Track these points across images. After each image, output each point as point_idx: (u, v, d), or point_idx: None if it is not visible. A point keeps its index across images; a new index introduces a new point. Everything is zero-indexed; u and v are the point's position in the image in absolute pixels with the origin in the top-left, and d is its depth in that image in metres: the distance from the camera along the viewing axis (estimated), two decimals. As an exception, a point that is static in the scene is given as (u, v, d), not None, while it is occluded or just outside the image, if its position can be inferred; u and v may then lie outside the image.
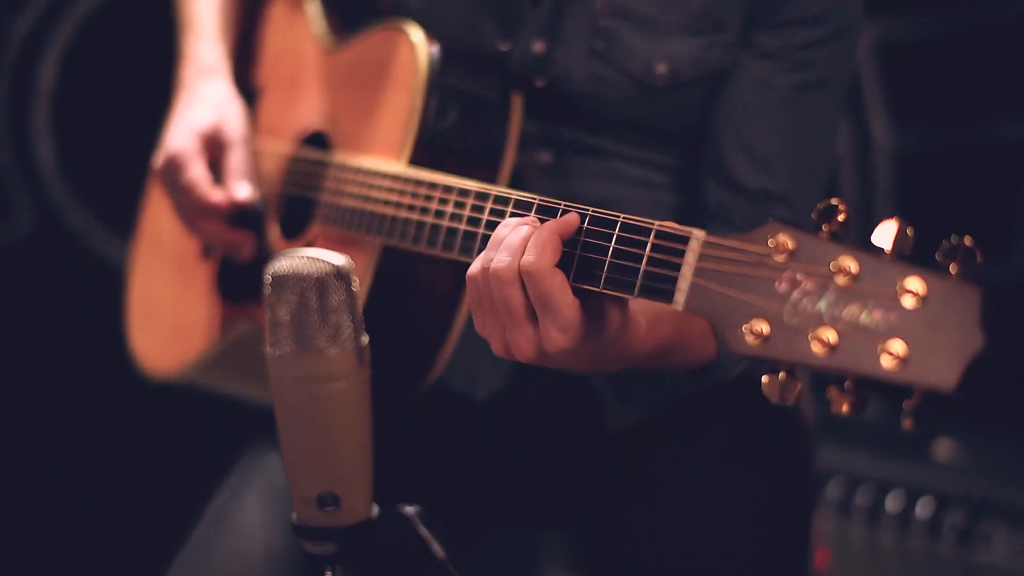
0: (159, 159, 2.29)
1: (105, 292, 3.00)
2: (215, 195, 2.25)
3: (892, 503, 3.17)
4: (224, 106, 2.33)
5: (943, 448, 3.26)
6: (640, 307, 1.76)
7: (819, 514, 3.08)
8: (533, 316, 1.67)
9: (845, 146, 3.90)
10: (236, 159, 2.28)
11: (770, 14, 2.13)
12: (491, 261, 1.69)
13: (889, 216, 1.42)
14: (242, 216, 2.28)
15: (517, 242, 1.68)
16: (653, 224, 1.61)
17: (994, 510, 3.07)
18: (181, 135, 2.29)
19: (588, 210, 1.69)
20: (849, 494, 3.23)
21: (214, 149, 2.29)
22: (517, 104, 2.15)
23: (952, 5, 3.83)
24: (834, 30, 2.14)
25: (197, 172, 2.25)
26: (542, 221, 1.72)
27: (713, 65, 2.14)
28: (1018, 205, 3.79)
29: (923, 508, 3.14)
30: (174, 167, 2.26)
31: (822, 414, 2.75)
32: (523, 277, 1.66)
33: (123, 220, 2.86)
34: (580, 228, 1.68)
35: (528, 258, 1.66)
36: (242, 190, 2.25)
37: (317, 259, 1.51)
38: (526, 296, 1.67)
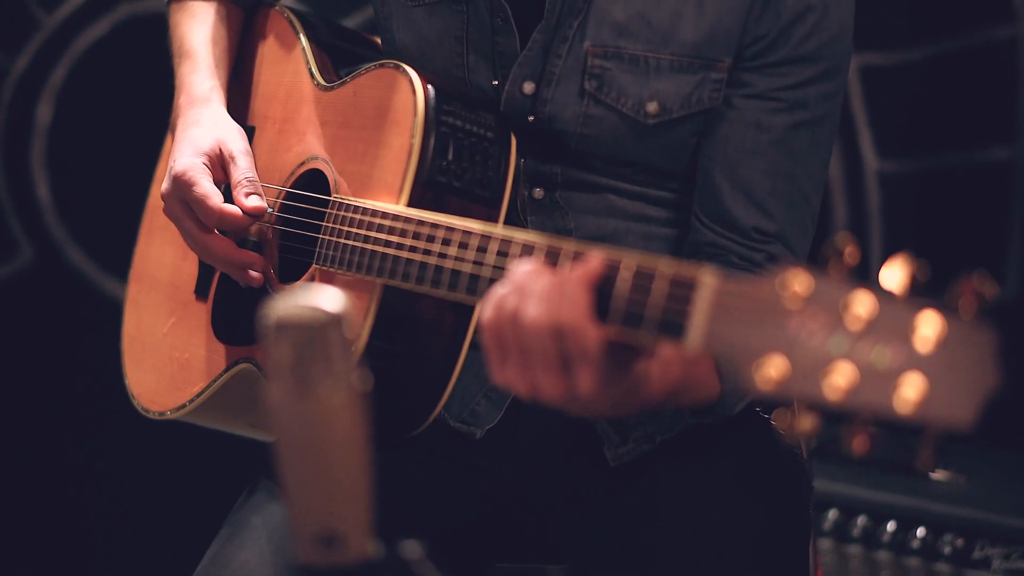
0: (165, 183, 2.27)
1: (105, 324, 3.00)
2: (227, 207, 2.22)
3: (889, 530, 3.17)
4: (222, 126, 2.32)
5: (940, 474, 3.26)
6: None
7: (817, 542, 3.07)
8: (565, 364, 1.67)
9: (836, 170, 3.90)
10: (241, 172, 2.25)
11: (761, 54, 2.14)
12: (512, 308, 1.68)
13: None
14: (248, 241, 2.27)
15: (543, 291, 1.67)
16: (667, 263, 1.61)
17: (991, 534, 3.07)
18: (185, 155, 2.26)
19: (601, 251, 1.69)
20: (846, 521, 3.22)
21: (218, 166, 2.27)
22: (513, 141, 2.15)
23: (939, 29, 3.84)
24: (826, 68, 2.15)
25: (207, 186, 2.22)
26: (551, 263, 1.72)
27: (704, 102, 2.16)
28: (1009, 227, 3.80)
29: (920, 534, 3.13)
30: (183, 184, 2.23)
31: (819, 443, 2.76)
32: (559, 330, 1.65)
33: (118, 255, 2.85)
34: (600, 270, 1.67)
35: (565, 312, 1.65)
36: (252, 199, 2.23)
37: (317, 305, 1.50)
38: (560, 346, 1.66)
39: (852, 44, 2.20)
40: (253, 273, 2.25)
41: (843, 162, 3.91)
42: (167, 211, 2.28)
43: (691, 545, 2.23)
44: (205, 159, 2.26)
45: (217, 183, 2.25)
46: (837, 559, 3.19)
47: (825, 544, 3.20)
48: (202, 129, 2.31)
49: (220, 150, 2.27)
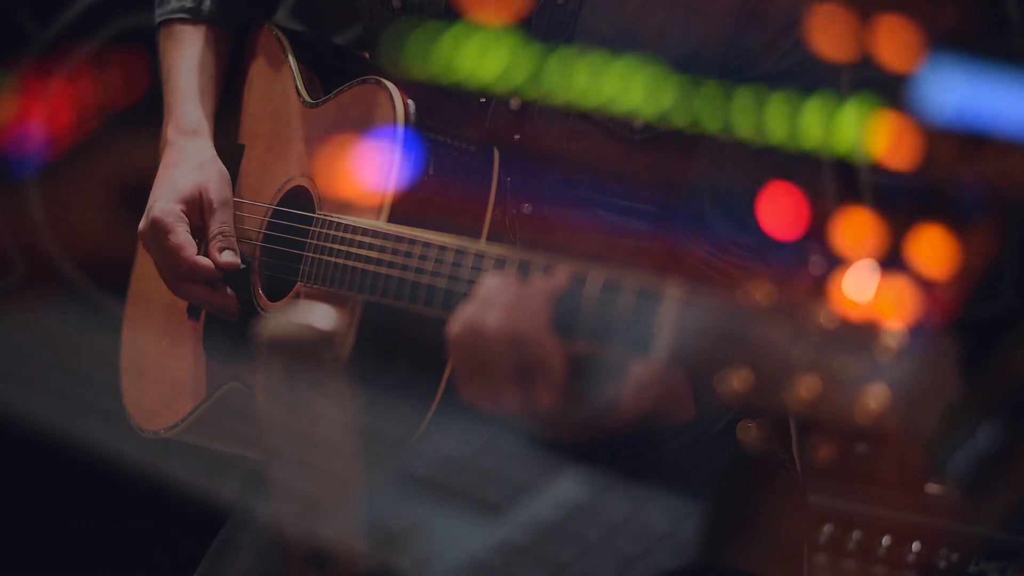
0: (144, 220, 2.29)
1: (97, 340, 3.00)
2: (200, 260, 2.25)
3: (884, 544, 3.15)
4: (206, 168, 2.33)
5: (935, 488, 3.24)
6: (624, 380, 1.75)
7: (812, 558, 3.05)
8: (524, 376, 1.67)
9: (829, 181, 3.89)
10: (218, 223, 2.28)
11: (744, 68, 2.14)
12: (477, 320, 1.68)
13: (870, 257, 1.42)
14: (228, 278, 2.28)
15: (506, 302, 1.67)
16: (634, 277, 1.61)
17: (987, 548, 3.05)
18: (164, 199, 2.28)
19: (569, 265, 1.68)
20: (841, 536, 3.21)
21: (196, 213, 2.29)
22: (496, 156, 2.15)
23: (932, 41, 3.83)
24: (809, 83, 2.15)
25: (181, 237, 2.26)
26: (523, 277, 1.71)
27: (691, 117, 2.15)
28: (1005, 241, 3.79)
29: (915, 548, 3.12)
30: (158, 230, 2.26)
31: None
32: (516, 340, 1.65)
33: (111, 272, 2.85)
34: (565, 284, 1.67)
35: (524, 322, 1.65)
36: (225, 255, 2.26)
37: (309, 323, 1.50)
38: (518, 357, 1.66)
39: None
40: (228, 314, 2.29)
41: (836, 172, 3.90)
42: (145, 246, 2.32)
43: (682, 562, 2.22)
44: (183, 206, 2.28)
45: (194, 228, 2.28)
46: (832, 574, 3.18)
47: (820, 559, 3.18)
48: (184, 170, 2.33)
49: (200, 196, 2.30)
